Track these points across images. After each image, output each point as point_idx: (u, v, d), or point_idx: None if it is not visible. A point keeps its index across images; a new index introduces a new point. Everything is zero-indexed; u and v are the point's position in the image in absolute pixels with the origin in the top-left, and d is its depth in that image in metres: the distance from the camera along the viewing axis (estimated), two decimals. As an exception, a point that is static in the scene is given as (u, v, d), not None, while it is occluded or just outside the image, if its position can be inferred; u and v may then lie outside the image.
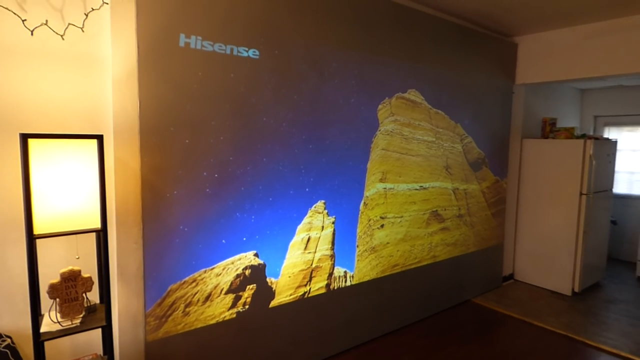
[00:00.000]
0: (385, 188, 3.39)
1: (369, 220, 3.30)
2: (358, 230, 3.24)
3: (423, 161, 3.69)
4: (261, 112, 2.58)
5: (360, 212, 3.24)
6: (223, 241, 2.51)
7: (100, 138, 1.68)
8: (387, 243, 3.46)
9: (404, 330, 3.60)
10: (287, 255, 2.82)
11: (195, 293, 2.41)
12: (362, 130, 3.18)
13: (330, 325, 3.11)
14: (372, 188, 3.30)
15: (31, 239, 1.54)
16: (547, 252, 4.71)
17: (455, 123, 3.97)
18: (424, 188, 3.73)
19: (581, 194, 4.40)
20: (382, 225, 3.40)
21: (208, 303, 2.46)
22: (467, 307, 4.19)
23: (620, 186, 5.84)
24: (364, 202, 3.26)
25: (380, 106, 3.29)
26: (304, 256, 2.92)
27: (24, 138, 1.50)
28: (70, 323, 1.71)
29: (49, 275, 1.81)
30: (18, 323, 1.91)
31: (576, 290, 4.50)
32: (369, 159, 3.26)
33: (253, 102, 2.53)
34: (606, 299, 4.46)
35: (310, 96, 2.82)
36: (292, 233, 2.84)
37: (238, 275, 2.58)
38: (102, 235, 1.71)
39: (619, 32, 3.89)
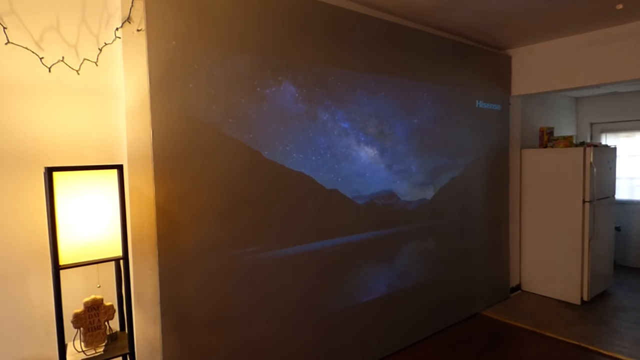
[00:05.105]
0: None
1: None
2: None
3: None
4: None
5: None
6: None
7: (120, 168, 1.72)
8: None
9: (417, 346, 3.58)
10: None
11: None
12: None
13: (343, 343, 3.11)
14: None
15: (57, 270, 1.57)
16: (554, 262, 4.71)
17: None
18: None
19: (584, 201, 4.44)
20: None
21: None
22: (477, 320, 4.18)
23: (622, 192, 5.87)
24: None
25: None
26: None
27: (49, 171, 1.54)
28: (93, 352, 1.73)
29: (67, 305, 1.82)
30: (40, 354, 1.92)
31: (585, 299, 4.50)
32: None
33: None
34: (616, 307, 4.44)
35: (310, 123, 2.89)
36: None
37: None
38: (123, 263, 1.74)
39: (611, 40, 3.99)
